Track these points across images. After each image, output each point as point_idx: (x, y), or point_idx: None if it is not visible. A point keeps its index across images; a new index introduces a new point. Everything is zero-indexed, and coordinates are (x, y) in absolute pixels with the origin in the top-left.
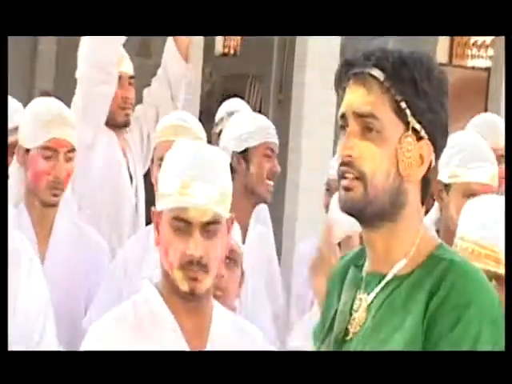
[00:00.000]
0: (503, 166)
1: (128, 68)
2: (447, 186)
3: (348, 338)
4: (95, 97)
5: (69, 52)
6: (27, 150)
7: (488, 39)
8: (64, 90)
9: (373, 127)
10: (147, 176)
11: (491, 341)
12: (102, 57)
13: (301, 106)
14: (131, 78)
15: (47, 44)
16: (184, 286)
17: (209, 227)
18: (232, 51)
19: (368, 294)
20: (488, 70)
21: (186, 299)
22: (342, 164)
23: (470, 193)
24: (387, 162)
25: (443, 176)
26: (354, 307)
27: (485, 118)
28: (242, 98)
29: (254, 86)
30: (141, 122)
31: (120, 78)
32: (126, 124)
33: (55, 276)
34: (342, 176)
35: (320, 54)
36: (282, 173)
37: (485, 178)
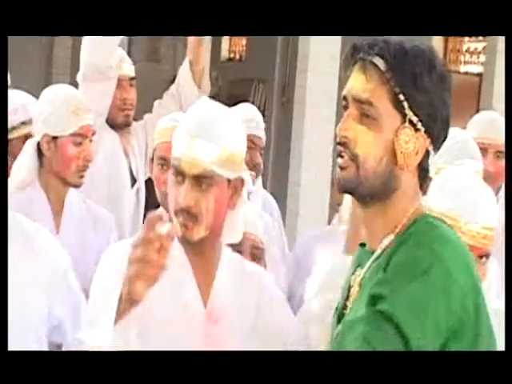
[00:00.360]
0: (502, 160)
1: (128, 70)
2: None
3: (346, 312)
4: (93, 97)
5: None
6: (53, 138)
7: (480, 46)
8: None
9: (369, 114)
10: (149, 181)
11: (440, 283)
12: (96, 58)
13: (303, 108)
14: (132, 79)
15: (62, 47)
16: (179, 232)
17: (201, 180)
18: (237, 56)
19: (362, 269)
20: (480, 75)
21: (184, 243)
22: (339, 143)
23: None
24: (380, 148)
25: (431, 171)
26: (351, 283)
27: (485, 116)
28: (247, 101)
29: (259, 89)
30: (147, 130)
31: (120, 80)
32: (127, 124)
33: (68, 244)
34: (338, 154)
35: (321, 58)
36: (283, 171)
37: (476, 167)
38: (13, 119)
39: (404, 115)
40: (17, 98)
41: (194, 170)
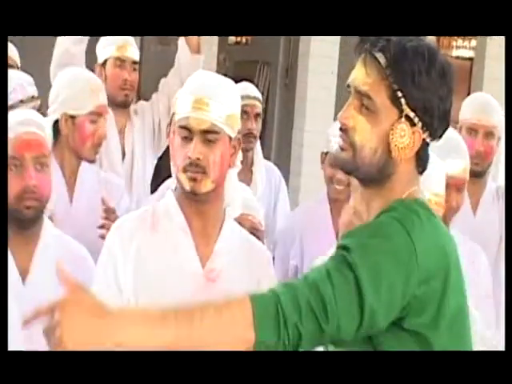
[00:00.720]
0: (492, 141)
1: (132, 53)
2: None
3: None
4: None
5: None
6: (71, 117)
7: None
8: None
9: (368, 106)
10: (160, 160)
11: (402, 253)
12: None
13: (305, 90)
14: (135, 63)
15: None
16: (187, 186)
17: (207, 135)
18: (244, 40)
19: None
20: (471, 59)
21: (191, 199)
22: (340, 129)
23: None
24: (376, 139)
25: None
26: None
27: (477, 97)
28: (252, 82)
29: (263, 71)
30: (153, 109)
31: (123, 61)
32: (126, 105)
33: (80, 214)
34: (339, 136)
35: (322, 42)
36: (286, 149)
37: (457, 171)
38: (11, 98)
39: (401, 110)
40: (14, 77)
41: (203, 125)
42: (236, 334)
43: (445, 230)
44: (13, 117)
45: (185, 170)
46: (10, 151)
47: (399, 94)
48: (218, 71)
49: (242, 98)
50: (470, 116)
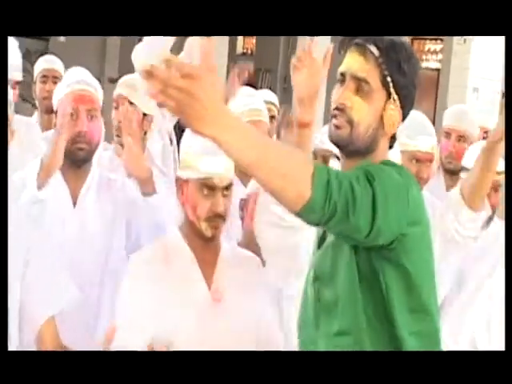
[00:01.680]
0: (463, 144)
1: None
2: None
3: (326, 240)
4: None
5: (131, 46)
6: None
7: (438, 47)
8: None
9: (365, 89)
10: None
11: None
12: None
13: None
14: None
15: (113, 40)
16: (208, 233)
17: (227, 190)
18: (249, 51)
19: None
20: (438, 70)
21: (206, 241)
22: (337, 109)
23: (415, 158)
24: (370, 117)
25: (398, 146)
26: None
27: (453, 109)
28: (255, 86)
29: (265, 77)
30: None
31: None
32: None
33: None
34: (333, 116)
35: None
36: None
37: (427, 148)
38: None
39: (389, 94)
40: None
41: (225, 182)
42: (298, 187)
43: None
44: (71, 75)
45: (208, 220)
46: (68, 104)
47: (388, 79)
48: (227, 78)
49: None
50: (446, 123)
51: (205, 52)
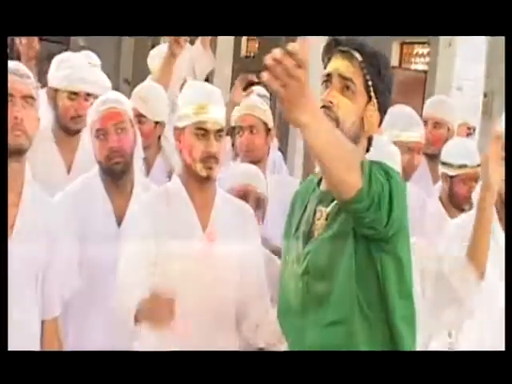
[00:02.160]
0: (440, 130)
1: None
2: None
3: (314, 236)
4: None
5: (144, 49)
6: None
7: (425, 50)
8: (141, 78)
9: (350, 88)
10: None
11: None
12: None
13: None
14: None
15: (127, 43)
16: (203, 173)
17: (219, 133)
18: (252, 54)
19: (326, 206)
20: (425, 71)
21: (202, 182)
22: (324, 107)
23: (408, 147)
24: (354, 115)
25: (391, 136)
26: (317, 215)
27: (431, 99)
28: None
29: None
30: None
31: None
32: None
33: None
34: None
35: (312, 56)
36: (285, 136)
37: (418, 138)
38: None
39: (370, 97)
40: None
41: (217, 126)
42: (354, 176)
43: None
44: (99, 101)
45: (202, 161)
46: (97, 125)
47: (370, 82)
48: (232, 79)
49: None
50: (424, 112)
51: (303, 49)
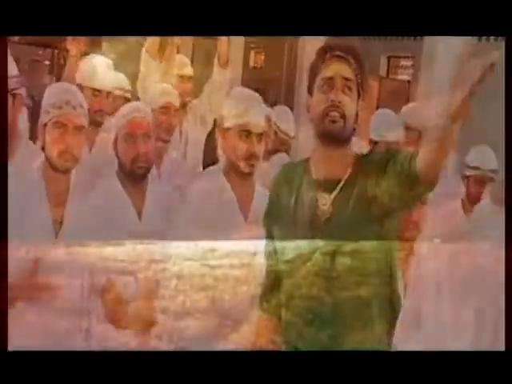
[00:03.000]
0: (410, 133)
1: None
2: (376, 144)
3: (323, 219)
4: None
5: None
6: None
7: (409, 63)
8: None
9: (351, 88)
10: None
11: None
12: None
13: (304, 97)
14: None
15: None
16: (246, 169)
17: (260, 136)
18: (259, 66)
19: (329, 193)
20: (409, 81)
21: (243, 178)
22: (332, 106)
23: (390, 147)
24: (354, 112)
25: (373, 136)
26: (322, 201)
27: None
28: (264, 93)
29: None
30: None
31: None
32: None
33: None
34: (329, 112)
35: (306, 59)
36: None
37: (399, 138)
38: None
39: (359, 94)
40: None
41: (259, 129)
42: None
43: None
44: (125, 108)
45: (245, 159)
46: (127, 130)
47: (359, 81)
48: (242, 85)
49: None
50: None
51: None
